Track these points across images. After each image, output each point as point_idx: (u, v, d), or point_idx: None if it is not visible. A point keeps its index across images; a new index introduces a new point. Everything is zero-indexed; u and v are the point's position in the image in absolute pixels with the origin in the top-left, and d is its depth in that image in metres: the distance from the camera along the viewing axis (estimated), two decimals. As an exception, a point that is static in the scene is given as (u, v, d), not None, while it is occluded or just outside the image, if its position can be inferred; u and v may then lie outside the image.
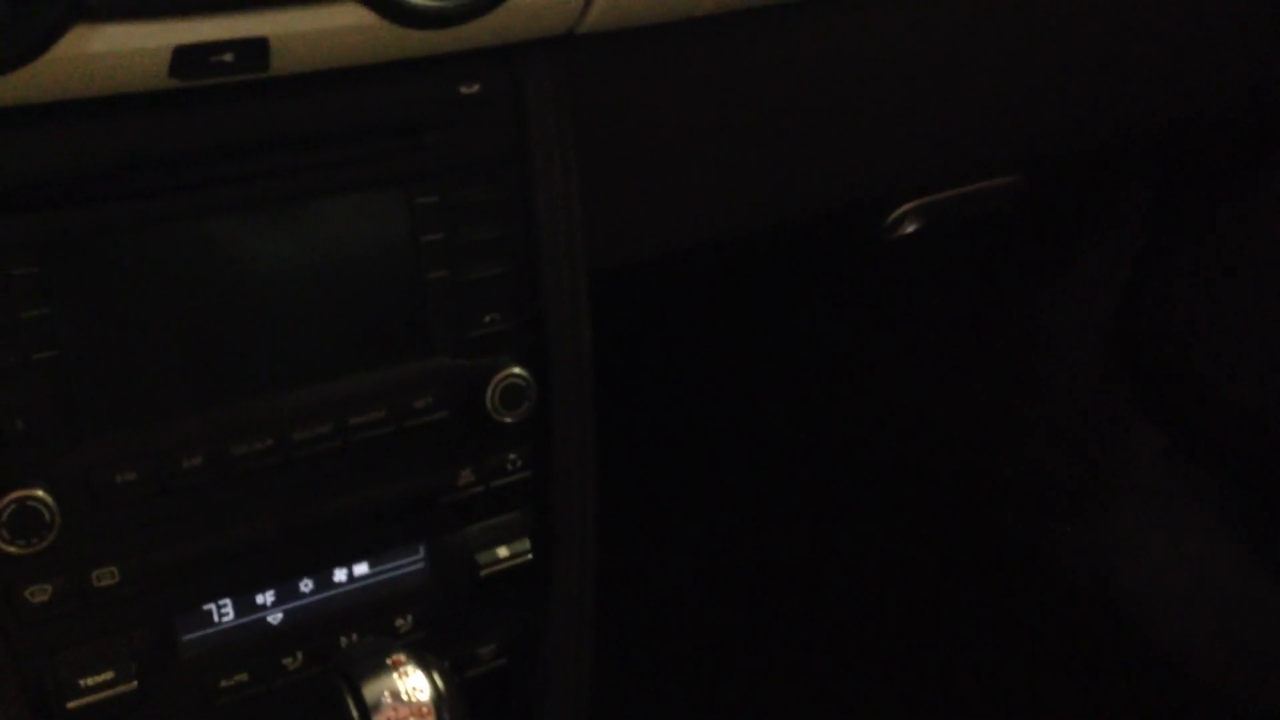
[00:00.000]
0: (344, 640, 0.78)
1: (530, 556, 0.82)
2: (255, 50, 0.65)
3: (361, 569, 0.79)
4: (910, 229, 1.05)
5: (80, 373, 0.67)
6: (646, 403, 1.24)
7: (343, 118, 0.72)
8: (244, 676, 0.75)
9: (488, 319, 0.78)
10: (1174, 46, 1.06)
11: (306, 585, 0.77)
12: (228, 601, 0.75)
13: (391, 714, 0.61)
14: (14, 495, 0.65)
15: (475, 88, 0.75)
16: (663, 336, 1.23)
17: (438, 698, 0.62)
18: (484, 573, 0.81)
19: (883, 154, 0.98)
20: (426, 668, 0.63)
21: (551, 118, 0.77)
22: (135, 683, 0.71)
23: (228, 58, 0.64)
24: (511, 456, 0.81)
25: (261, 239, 0.71)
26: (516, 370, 0.78)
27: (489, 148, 0.76)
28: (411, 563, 0.80)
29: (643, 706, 1.28)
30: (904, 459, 1.42)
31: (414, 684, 0.62)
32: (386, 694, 0.61)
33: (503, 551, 0.82)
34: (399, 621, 0.80)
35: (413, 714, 0.61)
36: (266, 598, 0.76)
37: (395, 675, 0.62)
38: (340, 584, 0.78)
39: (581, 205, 0.80)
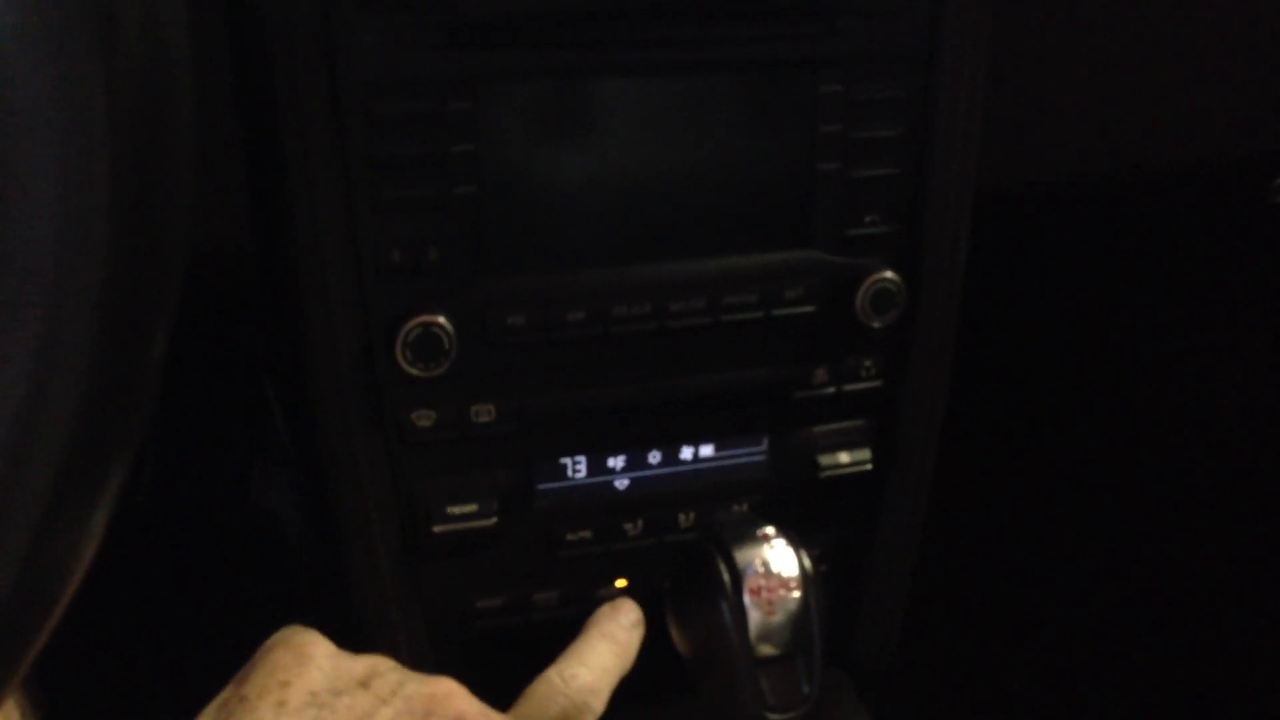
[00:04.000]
0: (682, 516, 0.79)
1: (870, 467, 0.82)
2: None
3: (706, 451, 0.79)
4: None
5: (491, 212, 0.69)
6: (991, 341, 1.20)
7: None
8: (587, 534, 0.78)
9: (868, 219, 0.77)
10: None
11: (654, 457, 0.78)
12: (582, 459, 0.77)
13: (762, 582, 0.61)
14: (420, 319, 0.68)
15: None
16: (1019, 274, 1.19)
17: (804, 575, 0.62)
18: (823, 475, 0.80)
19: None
20: (794, 545, 0.63)
21: (970, 17, 0.75)
22: (495, 519, 0.74)
23: None
24: (868, 363, 0.80)
25: (668, 109, 0.72)
26: (889, 275, 0.77)
27: (901, 41, 0.74)
28: (754, 453, 0.80)
29: (954, 639, 1.26)
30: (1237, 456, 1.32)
31: (782, 558, 0.62)
32: (757, 562, 0.62)
33: (844, 457, 0.81)
34: (735, 508, 0.80)
35: (781, 586, 0.61)
36: (617, 462, 0.78)
37: (765, 547, 0.63)
38: (685, 462, 0.79)
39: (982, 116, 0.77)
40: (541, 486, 0.76)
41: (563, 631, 0.65)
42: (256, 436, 1.24)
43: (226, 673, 0.51)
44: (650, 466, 0.78)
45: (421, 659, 0.78)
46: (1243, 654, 1.24)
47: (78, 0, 0.33)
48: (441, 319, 0.68)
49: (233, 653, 0.53)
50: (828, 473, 0.81)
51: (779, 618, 0.61)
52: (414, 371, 0.69)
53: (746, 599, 0.61)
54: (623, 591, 0.80)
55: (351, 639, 0.55)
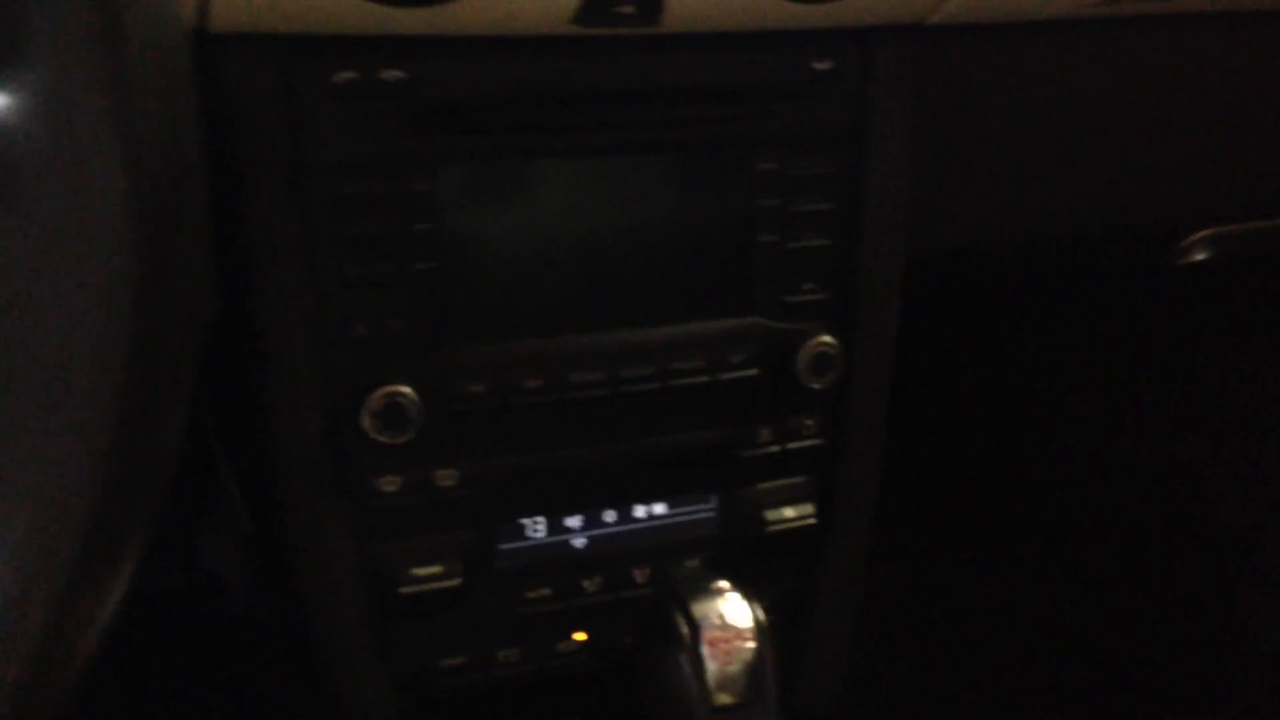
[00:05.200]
0: (637, 572, 0.83)
1: (813, 520, 0.86)
2: (653, 6, 0.69)
3: (659, 509, 0.83)
4: (1199, 257, 1.05)
5: (450, 286, 0.73)
6: (920, 393, 1.26)
7: (706, 78, 0.76)
8: (547, 591, 0.80)
9: (806, 286, 0.82)
10: None
11: (609, 516, 0.82)
12: (542, 520, 0.80)
13: (719, 634, 0.64)
14: (386, 390, 0.71)
15: (827, 64, 0.78)
16: (944, 335, 1.25)
17: (758, 626, 0.65)
18: (770, 529, 0.84)
19: (1185, 177, 0.98)
20: (748, 598, 0.67)
21: (895, 100, 0.80)
22: (458, 580, 0.76)
23: (627, 10, 0.69)
24: (809, 422, 0.84)
25: (617, 186, 0.76)
26: (827, 339, 0.81)
27: (832, 122, 0.79)
28: (704, 510, 0.84)
29: (895, 683, 1.29)
30: (1127, 496, 1.39)
31: (737, 610, 0.66)
32: (714, 615, 0.65)
33: (789, 512, 0.85)
34: (687, 563, 0.84)
35: (736, 637, 0.64)
36: (574, 522, 0.81)
37: (721, 601, 0.66)
38: (639, 520, 0.83)
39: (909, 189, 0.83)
40: (503, 547, 0.79)
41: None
42: (203, 500, 1.25)
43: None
44: (606, 525, 0.82)
45: (386, 718, 0.80)
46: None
47: (101, 118, 0.36)
48: (406, 389, 0.71)
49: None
50: (774, 527, 0.85)
51: (735, 667, 0.65)
52: (381, 439, 0.71)
53: (704, 650, 0.65)
54: (582, 645, 0.83)
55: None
